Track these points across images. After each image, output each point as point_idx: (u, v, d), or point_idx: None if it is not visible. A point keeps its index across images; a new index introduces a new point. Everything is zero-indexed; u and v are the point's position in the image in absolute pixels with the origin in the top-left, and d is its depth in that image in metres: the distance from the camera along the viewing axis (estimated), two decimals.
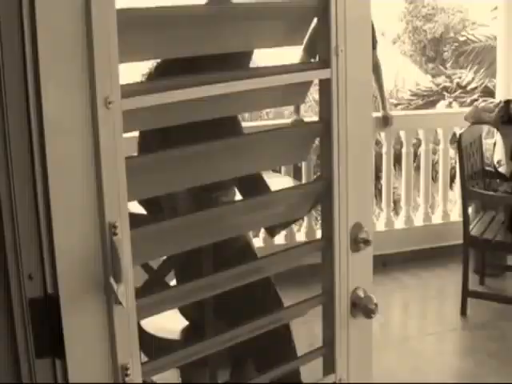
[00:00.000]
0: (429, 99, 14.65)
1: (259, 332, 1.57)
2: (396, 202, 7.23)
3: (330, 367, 1.69)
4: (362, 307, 1.64)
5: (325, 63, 1.53)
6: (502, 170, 5.67)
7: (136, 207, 2.57)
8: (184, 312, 2.66)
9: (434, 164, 7.08)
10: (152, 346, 2.27)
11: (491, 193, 5.43)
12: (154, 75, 2.39)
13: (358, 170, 1.61)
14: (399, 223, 6.20)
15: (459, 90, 14.24)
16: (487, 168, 5.67)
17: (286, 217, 1.66)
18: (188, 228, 1.46)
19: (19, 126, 1.18)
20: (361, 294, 1.66)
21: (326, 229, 1.61)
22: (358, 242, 1.61)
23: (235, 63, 1.53)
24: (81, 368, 1.29)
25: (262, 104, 1.58)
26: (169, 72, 1.42)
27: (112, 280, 1.25)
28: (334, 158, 1.55)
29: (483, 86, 13.34)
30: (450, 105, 13.84)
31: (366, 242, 1.62)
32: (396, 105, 15.30)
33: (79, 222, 1.24)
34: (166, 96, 1.32)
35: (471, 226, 5.02)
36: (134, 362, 1.33)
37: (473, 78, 14.07)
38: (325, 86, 1.54)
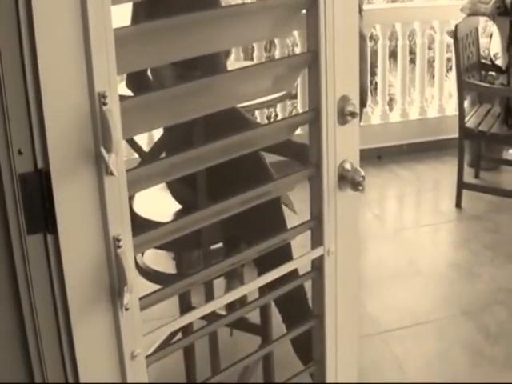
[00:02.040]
0: None
1: (249, 205, 1.58)
2: (391, 99, 7.20)
3: (318, 240, 1.71)
4: (350, 180, 1.65)
5: None
6: (498, 62, 5.62)
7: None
8: (177, 195, 2.68)
9: (431, 62, 7.03)
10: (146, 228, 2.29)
11: (487, 84, 5.41)
12: None
13: (344, 43, 1.60)
14: (394, 116, 6.19)
15: None
16: (483, 61, 5.62)
17: (273, 89, 1.65)
18: (177, 99, 1.45)
19: None
20: (348, 166, 1.66)
21: (314, 101, 1.60)
22: (344, 115, 1.61)
23: None
24: (73, 242, 1.29)
25: None
26: None
27: (103, 149, 1.24)
28: (320, 29, 1.54)
29: None
30: None
31: (353, 115, 1.61)
32: None
33: (69, 93, 1.23)
34: None
35: (467, 119, 5.01)
36: (125, 234, 1.34)
37: None
38: None
